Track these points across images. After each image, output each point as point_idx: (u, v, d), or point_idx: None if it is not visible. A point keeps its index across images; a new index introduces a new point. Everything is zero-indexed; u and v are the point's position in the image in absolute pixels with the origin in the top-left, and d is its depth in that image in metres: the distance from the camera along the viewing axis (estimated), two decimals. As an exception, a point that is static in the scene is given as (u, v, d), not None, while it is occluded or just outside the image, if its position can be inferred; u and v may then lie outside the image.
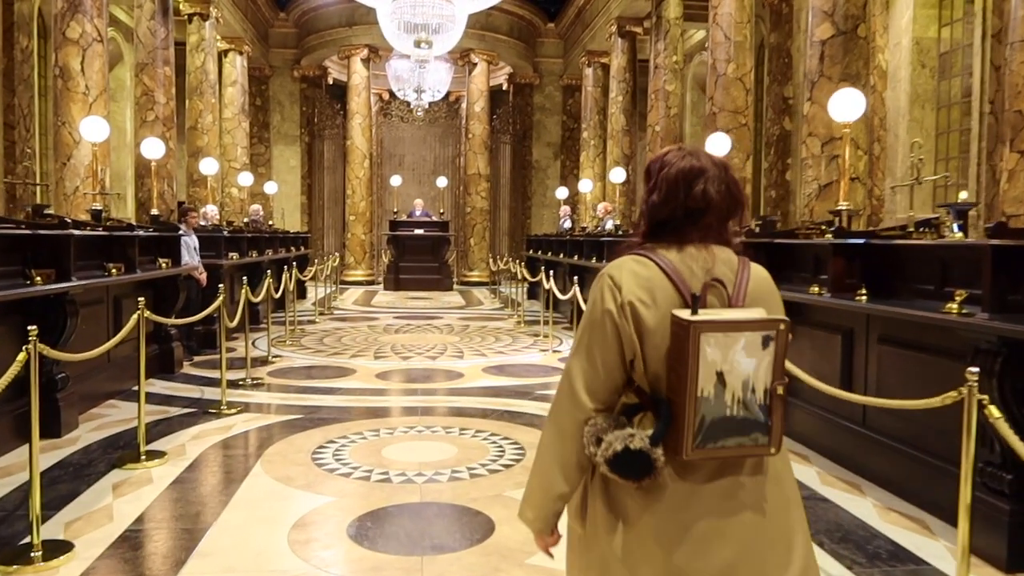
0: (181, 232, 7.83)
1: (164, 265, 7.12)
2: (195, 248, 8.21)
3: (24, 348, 3.06)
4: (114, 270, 5.93)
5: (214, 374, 7.29)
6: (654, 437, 1.52)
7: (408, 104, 19.60)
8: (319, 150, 21.74)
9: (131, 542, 3.36)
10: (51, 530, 3.44)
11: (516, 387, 6.85)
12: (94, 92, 10.29)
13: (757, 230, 6.46)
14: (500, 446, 4.94)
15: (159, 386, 6.73)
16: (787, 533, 1.62)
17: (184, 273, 7.50)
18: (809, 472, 4.49)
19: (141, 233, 6.54)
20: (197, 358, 8.12)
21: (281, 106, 21.85)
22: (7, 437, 4.70)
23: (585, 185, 14.68)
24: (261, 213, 13.92)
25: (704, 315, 1.49)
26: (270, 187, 16.07)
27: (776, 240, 5.51)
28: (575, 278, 8.96)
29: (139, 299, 4.64)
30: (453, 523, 3.67)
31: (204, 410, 5.79)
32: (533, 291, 14.20)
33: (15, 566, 3.06)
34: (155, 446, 4.83)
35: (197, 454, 4.68)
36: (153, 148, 8.68)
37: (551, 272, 12.89)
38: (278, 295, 9.11)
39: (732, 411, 1.51)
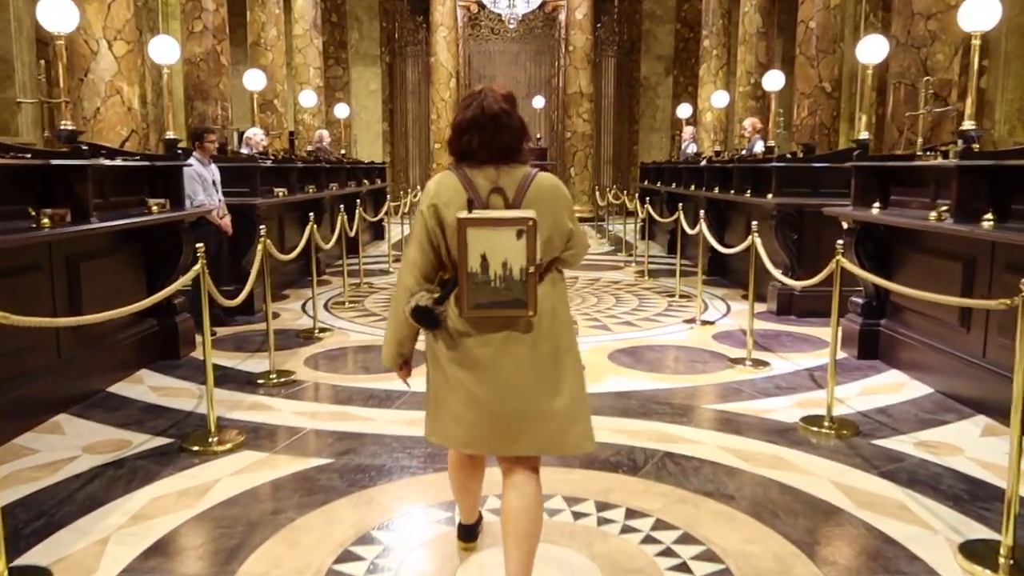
0: (188, 162, 5.67)
1: (156, 208, 4.98)
2: (213, 183, 6.06)
3: None
4: (46, 220, 3.79)
5: (234, 358, 5.21)
6: (438, 299, 2.12)
7: (499, 16, 17.00)
8: (401, 70, 19.37)
9: None
10: None
11: (667, 394, 4.46)
12: (114, -12, 8.25)
13: None
14: (677, 558, 2.60)
15: (145, 385, 4.66)
16: (557, 374, 2.18)
17: (188, 219, 5.35)
18: None
19: (95, 163, 4.32)
20: (223, 330, 6.06)
21: (359, 22, 19.51)
22: None
23: (720, 98, 11.81)
24: (327, 139, 11.75)
25: (474, 214, 2.05)
26: (341, 110, 13.87)
27: None
28: (706, 215, 6.46)
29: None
30: None
31: (183, 442, 3.66)
32: (646, 229, 11.62)
33: None
34: (51, 546, 2.69)
35: None
36: (164, 50, 6.48)
37: (672, 208, 10.35)
38: (330, 244, 6.91)
39: (495, 284, 2.06)
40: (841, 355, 5.34)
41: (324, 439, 3.73)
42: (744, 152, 9.60)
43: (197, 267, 3.58)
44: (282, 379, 4.70)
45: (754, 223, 5.12)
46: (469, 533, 2.65)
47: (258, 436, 3.76)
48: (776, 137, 7.88)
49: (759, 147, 9.23)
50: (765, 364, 5.05)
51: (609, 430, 3.82)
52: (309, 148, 11.51)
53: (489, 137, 2.12)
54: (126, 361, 4.86)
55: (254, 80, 9.02)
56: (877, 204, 5.07)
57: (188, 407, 4.22)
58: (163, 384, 4.67)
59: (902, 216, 4.77)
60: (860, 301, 5.30)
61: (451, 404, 2.17)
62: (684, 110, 13.45)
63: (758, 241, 4.96)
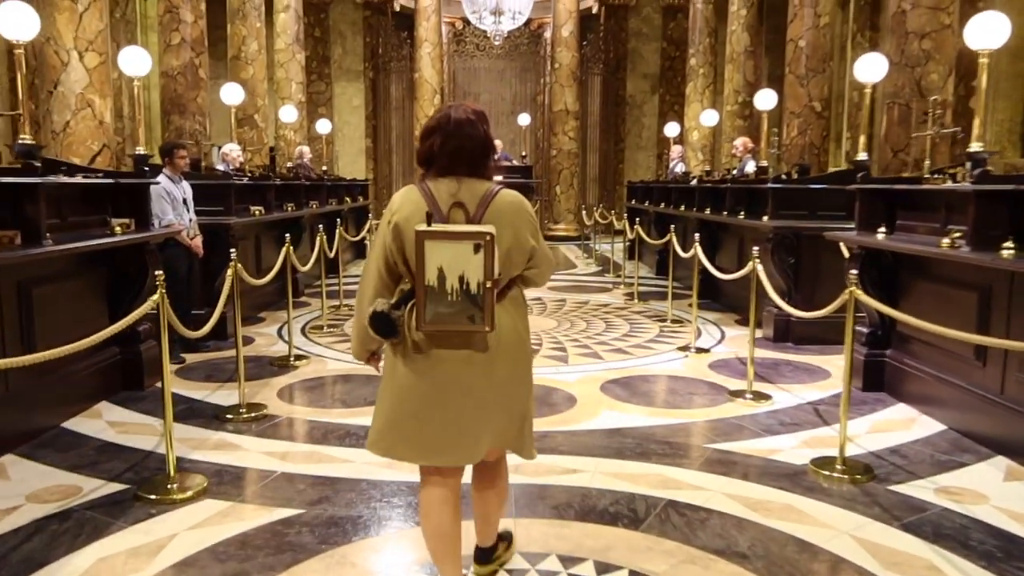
0: (156, 180, 5.35)
1: (119, 229, 4.66)
2: (184, 201, 5.74)
3: None
4: (-9, 244, 3.47)
5: (202, 390, 4.89)
6: (394, 304, 2.13)
7: (484, 32, 16.80)
8: (384, 86, 19.11)
9: None
10: None
11: (665, 431, 4.17)
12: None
13: None
14: (691, 632, 2.30)
15: (103, 420, 4.31)
16: (509, 391, 2.22)
17: (155, 240, 5.02)
18: None
19: (48, 180, 3.98)
20: (193, 357, 5.72)
21: (343, 37, 19.25)
22: None
23: (709, 117, 11.63)
24: (307, 156, 11.44)
25: (432, 227, 2.05)
26: (322, 126, 13.56)
27: None
28: (699, 236, 6.26)
29: None
30: None
31: (138, 489, 3.32)
32: (634, 249, 11.40)
33: None
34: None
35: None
36: (133, 61, 6.18)
37: (661, 228, 10.15)
38: (307, 266, 6.60)
39: (452, 297, 2.06)
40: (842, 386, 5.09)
41: (295, 485, 3.41)
42: (735, 172, 9.40)
43: (156, 296, 3.26)
44: (252, 414, 4.37)
45: (755, 248, 4.87)
46: None
47: (222, 481, 3.44)
48: (770, 157, 7.67)
49: (750, 167, 9.03)
50: (766, 397, 4.78)
51: (605, 474, 3.53)
52: (289, 165, 11.20)
53: (453, 144, 2.14)
54: (84, 393, 4.52)
55: (232, 94, 8.72)
56: (883, 229, 4.84)
57: (148, 446, 3.88)
58: (123, 419, 4.33)
59: (911, 243, 4.53)
60: (864, 330, 5.06)
61: (405, 417, 2.19)
62: (672, 128, 13.27)
63: (760, 268, 4.70)
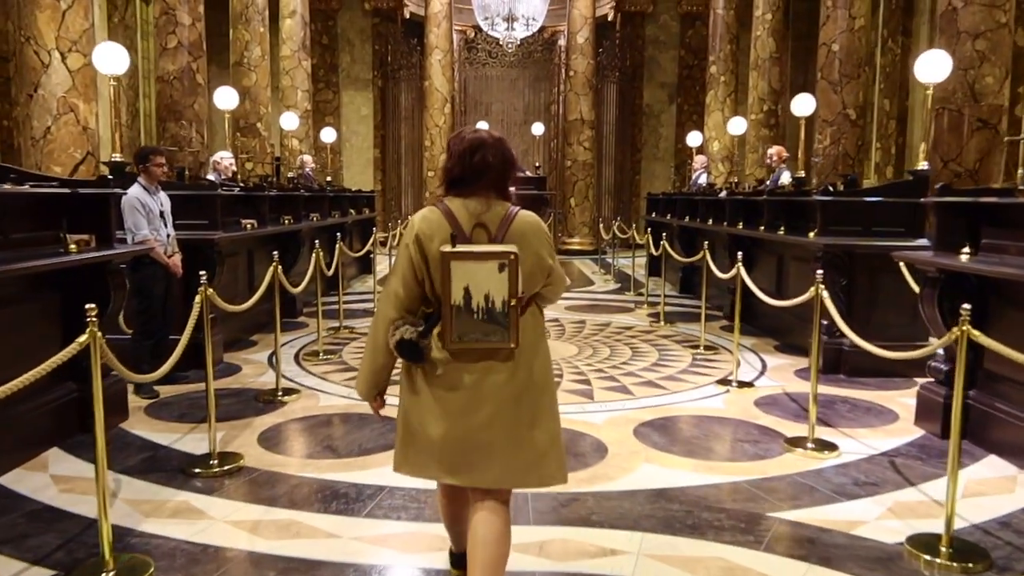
0: (124, 190, 4.70)
1: (75, 246, 4.00)
2: (161, 214, 5.08)
3: None
4: None
5: (172, 432, 4.22)
6: (422, 332, 2.13)
7: (496, 40, 16.21)
8: (393, 95, 18.51)
9: None
10: None
11: (718, 493, 3.45)
12: (68, -2, 7.33)
13: None
14: None
15: (48, 473, 3.64)
16: (534, 407, 2.20)
17: (120, 259, 4.36)
18: None
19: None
20: (169, 390, 5.05)
21: (351, 45, 18.69)
22: None
23: (737, 125, 10.93)
24: (310, 165, 10.81)
25: (457, 248, 2.08)
26: (327, 135, 12.96)
27: None
28: (730, 254, 5.57)
29: None
30: None
31: (66, 578, 2.64)
32: (654, 265, 10.70)
33: None
34: None
35: None
36: (110, 58, 5.57)
37: (685, 243, 9.49)
38: (299, 288, 5.93)
39: (478, 316, 2.09)
40: (916, 432, 4.39)
41: (263, 571, 2.71)
42: (768, 183, 8.70)
43: (84, 336, 2.58)
44: (225, 467, 3.68)
45: (819, 272, 4.15)
46: (462, 562, 2.43)
47: (173, 566, 2.75)
48: (814, 166, 6.96)
49: (785, 177, 8.33)
50: (831, 447, 4.05)
51: (652, 557, 2.82)
52: (290, 175, 10.58)
53: (499, 156, 2.18)
54: (31, 439, 3.85)
55: (226, 98, 8.11)
56: (967, 249, 4.13)
57: (92, 511, 3.18)
58: (72, 472, 3.65)
59: (1005, 265, 3.81)
60: (942, 367, 4.34)
61: (426, 431, 2.18)
62: (694, 138, 12.58)
63: (825, 294, 3.99)
